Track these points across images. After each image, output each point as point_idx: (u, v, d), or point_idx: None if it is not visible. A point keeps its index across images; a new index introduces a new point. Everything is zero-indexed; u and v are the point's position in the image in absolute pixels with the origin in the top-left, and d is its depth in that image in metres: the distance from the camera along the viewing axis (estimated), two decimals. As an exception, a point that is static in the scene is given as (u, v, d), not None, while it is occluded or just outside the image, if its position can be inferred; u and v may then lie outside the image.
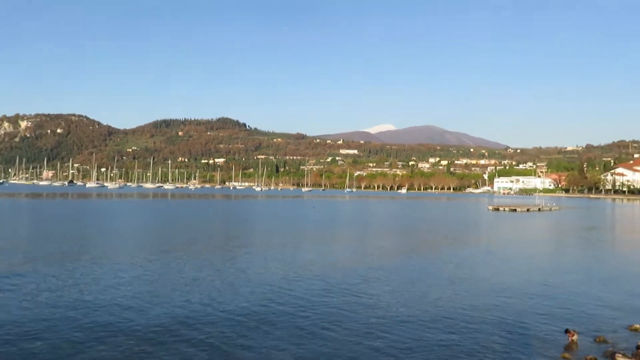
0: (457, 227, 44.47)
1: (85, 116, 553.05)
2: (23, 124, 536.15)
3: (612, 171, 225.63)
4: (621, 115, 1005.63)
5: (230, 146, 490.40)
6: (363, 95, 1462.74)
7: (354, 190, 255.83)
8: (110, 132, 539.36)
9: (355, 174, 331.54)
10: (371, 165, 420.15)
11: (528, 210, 75.18)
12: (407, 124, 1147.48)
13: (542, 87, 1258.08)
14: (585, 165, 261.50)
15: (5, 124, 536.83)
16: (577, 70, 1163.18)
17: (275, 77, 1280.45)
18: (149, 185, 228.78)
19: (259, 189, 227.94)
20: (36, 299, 13.55)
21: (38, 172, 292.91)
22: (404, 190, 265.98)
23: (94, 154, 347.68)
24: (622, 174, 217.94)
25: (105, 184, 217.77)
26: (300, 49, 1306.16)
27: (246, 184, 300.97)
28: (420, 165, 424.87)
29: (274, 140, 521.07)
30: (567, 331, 11.01)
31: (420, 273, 19.14)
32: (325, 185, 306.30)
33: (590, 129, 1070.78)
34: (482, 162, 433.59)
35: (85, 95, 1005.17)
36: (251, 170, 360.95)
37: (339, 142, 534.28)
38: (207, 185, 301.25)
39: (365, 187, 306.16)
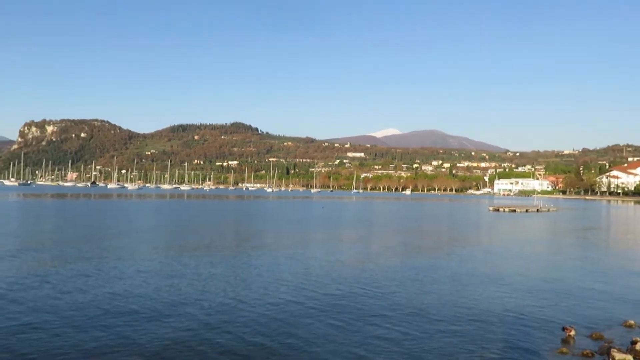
0: (459, 227, 44.27)
1: (107, 121, 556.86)
2: (49, 128, 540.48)
3: (607, 174, 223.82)
4: (616, 120, 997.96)
5: (243, 149, 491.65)
6: (369, 100, 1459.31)
7: (361, 191, 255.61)
8: (131, 136, 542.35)
9: (362, 176, 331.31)
10: (377, 167, 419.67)
11: (527, 211, 74.70)
12: (411, 129, 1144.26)
13: (540, 92, 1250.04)
14: (581, 168, 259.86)
15: (33, 129, 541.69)
16: (574, 76, 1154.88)
17: (285, 83, 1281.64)
18: (166, 187, 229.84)
19: (270, 190, 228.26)
20: (61, 295, 13.61)
21: (63, 174, 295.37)
22: (408, 192, 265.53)
23: (115, 157, 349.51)
24: (617, 177, 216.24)
25: (126, 185, 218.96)
26: (309, 57, 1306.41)
27: (258, 185, 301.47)
28: (423, 167, 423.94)
29: (285, 143, 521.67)
30: (564, 328, 10.91)
31: (423, 270, 19.03)
32: (333, 187, 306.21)
33: (586, 134, 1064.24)
34: (482, 165, 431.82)
35: (107, 102, 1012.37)
36: (263, 172, 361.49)
37: (347, 146, 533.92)
38: (221, 187, 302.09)
39: (371, 189, 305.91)
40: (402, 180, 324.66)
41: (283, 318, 11.78)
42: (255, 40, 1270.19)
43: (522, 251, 26.69)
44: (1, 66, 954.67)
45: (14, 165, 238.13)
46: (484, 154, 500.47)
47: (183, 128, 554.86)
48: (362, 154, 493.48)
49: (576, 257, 24.84)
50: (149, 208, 62.65)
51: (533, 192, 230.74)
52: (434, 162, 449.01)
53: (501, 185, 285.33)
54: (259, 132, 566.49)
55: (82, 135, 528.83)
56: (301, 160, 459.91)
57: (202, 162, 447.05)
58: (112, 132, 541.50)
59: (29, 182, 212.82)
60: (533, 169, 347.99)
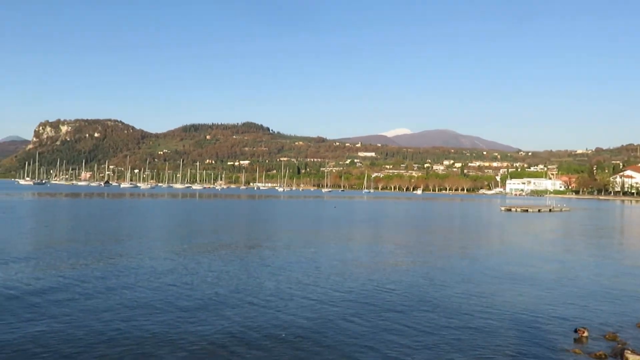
0: (471, 227, 44.02)
1: (121, 121, 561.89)
2: (64, 128, 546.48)
3: (621, 174, 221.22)
4: (630, 119, 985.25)
5: (254, 149, 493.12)
6: (380, 100, 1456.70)
7: (372, 191, 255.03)
8: (143, 136, 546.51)
9: (373, 176, 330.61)
10: (388, 167, 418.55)
11: (539, 210, 74.10)
12: (422, 128, 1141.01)
13: (553, 91, 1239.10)
14: (594, 168, 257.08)
15: (48, 129, 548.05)
16: (587, 75, 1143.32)
17: (297, 83, 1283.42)
18: (178, 186, 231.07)
19: (281, 189, 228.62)
20: (79, 292, 13.75)
21: (77, 173, 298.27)
22: (419, 191, 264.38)
23: (128, 157, 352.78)
24: (631, 177, 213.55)
25: (138, 185, 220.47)
26: (320, 56, 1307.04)
27: (269, 184, 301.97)
28: (435, 167, 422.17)
29: (296, 143, 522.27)
30: (577, 330, 10.82)
31: (435, 270, 18.96)
32: (344, 186, 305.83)
33: (599, 133, 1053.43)
34: (494, 164, 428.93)
35: (120, 102, 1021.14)
36: (274, 171, 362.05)
37: (357, 145, 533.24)
38: (233, 186, 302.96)
39: (382, 188, 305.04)
40: (413, 180, 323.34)
41: (312, 317, 11.81)
42: (267, 40, 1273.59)
43: (534, 251, 26.47)
44: (17, 67, 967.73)
45: (29, 164, 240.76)
46: (496, 154, 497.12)
47: (195, 128, 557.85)
48: (373, 154, 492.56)
49: (589, 257, 24.59)
50: (162, 207, 63.03)
51: (545, 192, 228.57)
52: (446, 162, 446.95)
53: (513, 185, 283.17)
54: (270, 131, 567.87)
55: (96, 135, 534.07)
56: (312, 159, 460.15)
57: (213, 162, 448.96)
58: (125, 131, 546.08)
59: (43, 181, 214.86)
60: (545, 169, 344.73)
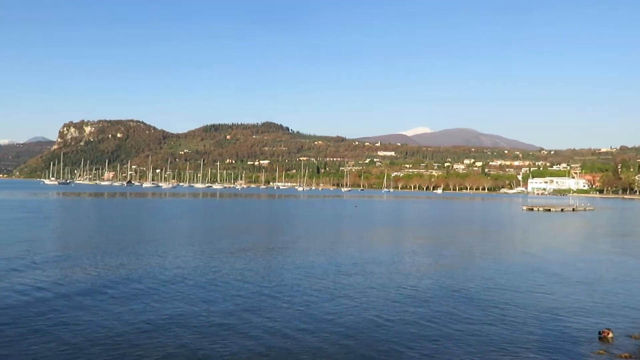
0: (493, 226, 43.58)
1: (142, 122, 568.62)
2: (87, 129, 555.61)
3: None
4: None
5: (274, 149, 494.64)
6: (400, 99, 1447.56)
7: (391, 190, 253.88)
8: (165, 136, 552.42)
9: (392, 175, 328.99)
10: (408, 166, 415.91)
11: (562, 210, 73.01)
12: (442, 127, 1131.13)
13: (576, 89, 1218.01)
14: (619, 167, 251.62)
15: (72, 130, 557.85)
16: (611, 72, 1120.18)
17: (316, 83, 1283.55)
18: (199, 185, 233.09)
19: (301, 188, 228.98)
20: (107, 288, 14.05)
21: (100, 173, 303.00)
22: (439, 191, 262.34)
23: (149, 157, 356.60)
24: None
25: (160, 184, 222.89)
26: (339, 56, 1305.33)
27: (289, 184, 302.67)
28: (455, 166, 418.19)
29: (315, 143, 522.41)
30: (601, 332, 10.69)
31: (457, 269, 18.87)
32: (363, 186, 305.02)
33: (624, 131, 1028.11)
34: (516, 163, 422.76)
35: (142, 103, 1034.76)
36: (294, 171, 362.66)
37: (377, 145, 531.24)
38: (253, 185, 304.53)
39: (402, 188, 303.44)
40: (433, 179, 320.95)
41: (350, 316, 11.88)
42: (287, 40, 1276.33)
43: (557, 251, 26.14)
44: (42, 70, 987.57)
45: (54, 165, 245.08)
46: (518, 153, 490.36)
47: (215, 128, 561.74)
48: (392, 153, 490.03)
49: (613, 257, 24.20)
50: (183, 206, 63.68)
51: (568, 191, 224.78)
52: (466, 161, 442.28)
53: (535, 184, 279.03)
54: (290, 131, 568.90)
55: (119, 135, 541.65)
56: (331, 159, 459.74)
57: (234, 162, 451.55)
58: (147, 132, 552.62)
59: (68, 181, 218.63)
60: (568, 168, 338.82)
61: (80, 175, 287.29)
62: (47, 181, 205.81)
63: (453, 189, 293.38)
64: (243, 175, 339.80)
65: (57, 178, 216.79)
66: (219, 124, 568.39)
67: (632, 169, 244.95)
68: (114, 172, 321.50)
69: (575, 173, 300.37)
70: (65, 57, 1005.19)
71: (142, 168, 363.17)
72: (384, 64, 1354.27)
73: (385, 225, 42.02)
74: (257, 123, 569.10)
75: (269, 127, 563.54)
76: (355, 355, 9.30)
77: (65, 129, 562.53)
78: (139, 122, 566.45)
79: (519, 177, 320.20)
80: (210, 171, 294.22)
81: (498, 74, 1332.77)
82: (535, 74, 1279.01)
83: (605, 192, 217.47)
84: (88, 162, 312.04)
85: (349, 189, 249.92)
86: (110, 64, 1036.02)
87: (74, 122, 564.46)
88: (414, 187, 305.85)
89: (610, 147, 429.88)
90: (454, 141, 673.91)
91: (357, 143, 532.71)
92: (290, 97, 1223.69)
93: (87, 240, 24.67)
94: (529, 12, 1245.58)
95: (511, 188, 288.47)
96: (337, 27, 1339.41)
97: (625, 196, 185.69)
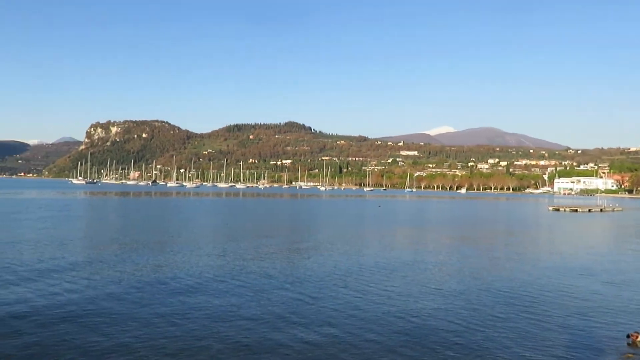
0: (518, 227, 42.95)
1: (167, 122, 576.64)
2: (114, 129, 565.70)
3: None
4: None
5: (296, 148, 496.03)
6: (423, 98, 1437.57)
7: (414, 190, 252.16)
8: (189, 136, 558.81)
9: (415, 175, 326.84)
10: (431, 166, 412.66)
11: (589, 210, 71.53)
12: (466, 126, 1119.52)
13: (603, 87, 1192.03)
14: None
15: (99, 130, 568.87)
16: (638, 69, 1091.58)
17: (338, 82, 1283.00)
18: (222, 185, 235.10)
19: (323, 188, 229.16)
20: (136, 284, 14.32)
21: (126, 173, 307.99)
22: (463, 190, 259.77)
23: (174, 156, 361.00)
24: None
25: (184, 184, 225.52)
26: (362, 55, 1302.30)
27: (311, 183, 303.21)
28: (479, 166, 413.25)
29: (338, 142, 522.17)
30: (629, 335, 10.47)
31: (484, 270, 18.67)
32: (386, 185, 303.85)
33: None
34: (541, 163, 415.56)
35: (167, 103, 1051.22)
36: (316, 170, 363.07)
37: (400, 144, 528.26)
38: (275, 185, 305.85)
39: (425, 187, 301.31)
40: (456, 179, 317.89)
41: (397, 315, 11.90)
42: (309, 41, 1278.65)
43: (584, 252, 25.66)
44: (70, 72, 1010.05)
45: (81, 164, 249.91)
46: (543, 152, 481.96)
47: (238, 128, 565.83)
48: (415, 152, 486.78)
49: (644, 259, 23.62)
50: (209, 206, 64.29)
51: (596, 191, 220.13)
52: (490, 161, 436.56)
53: (562, 184, 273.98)
54: (312, 131, 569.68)
55: (144, 135, 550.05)
56: (354, 158, 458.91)
57: (256, 161, 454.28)
58: (172, 132, 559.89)
59: (95, 180, 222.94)
60: (596, 167, 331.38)
61: (106, 174, 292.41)
62: (74, 181, 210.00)
63: (477, 189, 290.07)
64: (266, 174, 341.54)
65: (84, 177, 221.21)
66: (242, 124, 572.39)
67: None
68: (139, 172, 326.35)
69: (603, 173, 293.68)
70: (92, 59, 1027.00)
71: (166, 168, 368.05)
72: (407, 63, 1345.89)
73: (413, 225, 41.80)
74: (280, 123, 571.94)
75: (291, 126, 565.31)
76: (392, 348, 9.31)
77: (92, 129, 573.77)
78: (164, 122, 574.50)
79: (545, 177, 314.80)
80: (234, 171, 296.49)
81: (522, 72, 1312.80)
82: (560, 71, 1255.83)
83: (634, 192, 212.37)
84: (114, 161, 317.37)
85: (372, 188, 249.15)
86: (136, 65, 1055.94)
87: (100, 122, 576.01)
88: (437, 187, 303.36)
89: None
90: (477, 140, 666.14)
91: (379, 143, 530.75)
92: (312, 97, 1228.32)
93: (117, 239, 25.07)
94: (550, 12, 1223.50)
95: (537, 188, 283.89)
96: (359, 27, 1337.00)
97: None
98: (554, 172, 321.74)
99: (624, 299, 14.49)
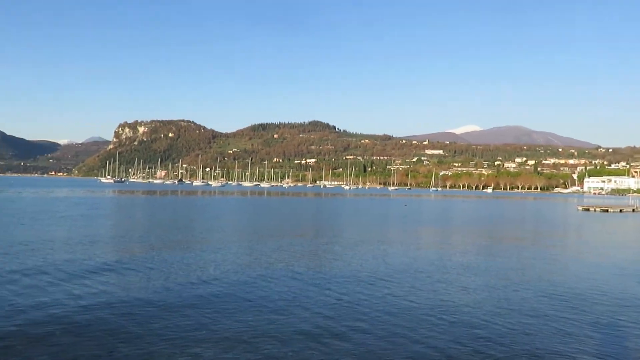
0: (546, 227, 42.19)
1: (193, 122, 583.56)
2: (141, 129, 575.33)
3: None
4: None
5: (320, 147, 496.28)
6: (448, 96, 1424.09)
7: (439, 189, 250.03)
8: (214, 135, 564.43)
9: (441, 174, 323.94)
10: (456, 165, 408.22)
11: (621, 211, 69.78)
12: (492, 125, 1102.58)
13: (635, 83, 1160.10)
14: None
15: (127, 130, 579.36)
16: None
17: (363, 81, 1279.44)
18: (247, 184, 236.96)
19: (347, 187, 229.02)
20: (166, 281, 14.53)
21: (153, 172, 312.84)
22: (489, 190, 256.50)
23: (199, 156, 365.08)
24: None
25: (210, 183, 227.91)
26: (386, 54, 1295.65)
27: (335, 182, 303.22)
28: (506, 165, 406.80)
29: (362, 141, 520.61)
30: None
31: (511, 270, 18.40)
32: (410, 185, 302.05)
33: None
34: (571, 161, 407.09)
35: (192, 103, 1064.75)
36: (340, 170, 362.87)
37: (425, 143, 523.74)
38: (300, 184, 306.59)
39: (450, 187, 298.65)
40: (482, 178, 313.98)
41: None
42: (334, 41, 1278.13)
43: (616, 252, 25.06)
44: (99, 73, 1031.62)
45: (109, 163, 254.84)
46: (573, 150, 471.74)
47: (263, 127, 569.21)
48: (440, 151, 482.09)
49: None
50: (234, 205, 64.85)
51: (628, 190, 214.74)
52: (517, 159, 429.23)
53: (591, 183, 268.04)
54: (337, 130, 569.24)
55: (170, 135, 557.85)
56: (378, 157, 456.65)
57: (281, 160, 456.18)
58: (197, 131, 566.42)
59: (122, 179, 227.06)
60: (628, 166, 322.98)
61: (134, 173, 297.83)
62: (103, 179, 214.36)
63: (504, 188, 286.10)
64: (290, 173, 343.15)
65: (112, 176, 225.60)
66: (267, 124, 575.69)
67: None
68: (165, 171, 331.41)
69: (636, 172, 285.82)
70: (120, 61, 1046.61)
71: (192, 167, 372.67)
72: (432, 61, 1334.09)
73: (441, 224, 41.43)
74: (304, 122, 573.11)
75: (315, 126, 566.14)
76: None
77: (120, 129, 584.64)
78: (190, 122, 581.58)
79: (574, 176, 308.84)
80: (258, 170, 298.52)
81: (550, 69, 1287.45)
82: (589, 67, 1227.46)
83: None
84: (141, 161, 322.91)
85: (396, 187, 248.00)
86: (163, 66, 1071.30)
87: (128, 122, 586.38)
88: (463, 186, 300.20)
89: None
90: (504, 139, 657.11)
91: (404, 141, 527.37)
92: (336, 96, 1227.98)
93: (150, 238, 25.43)
94: (577, 10, 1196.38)
95: (565, 187, 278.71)
96: (382, 25, 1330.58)
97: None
98: (584, 171, 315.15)
99: (658, 300, 14.09)
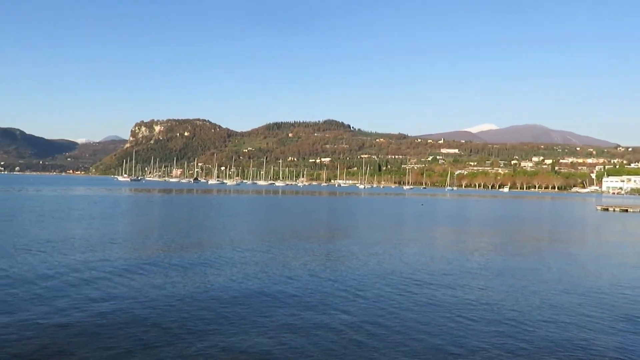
0: (564, 227, 41.73)
1: (208, 121, 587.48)
2: (157, 128, 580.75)
3: None
4: None
5: (335, 146, 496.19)
6: (464, 95, 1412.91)
7: (455, 188, 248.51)
8: (229, 134, 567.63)
9: (456, 173, 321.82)
10: (472, 164, 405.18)
11: (641, 210, 68.76)
12: (509, 123, 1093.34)
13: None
14: None
15: (143, 129, 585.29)
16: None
17: (378, 80, 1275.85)
18: (262, 183, 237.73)
19: (362, 186, 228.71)
20: (175, 280, 14.72)
21: (169, 170, 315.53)
22: (505, 189, 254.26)
23: (215, 154, 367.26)
24: None
25: (225, 181, 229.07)
26: (402, 52, 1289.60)
27: (350, 181, 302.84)
28: (522, 164, 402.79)
29: (377, 140, 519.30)
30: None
31: (527, 271, 18.29)
32: (426, 184, 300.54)
33: None
34: (589, 161, 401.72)
35: (208, 102, 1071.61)
36: (355, 168, 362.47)
37: (440, 142, 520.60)
38: (314, 183, 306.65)
39: (466, 186, 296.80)
40: (499, 177, 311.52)
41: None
42: (347, 40, 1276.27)
43: (635, 255, 24.72)
44: (116, 73, 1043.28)
45: (126, 162, 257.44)
46: (591, 149, 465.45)
47: (278, 126, 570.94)
48: (456, 150, 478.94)
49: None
50: (249, 204, 65.11)
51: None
52: (534, 158, 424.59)
53: (611, 182, 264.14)
54: (351, 129, 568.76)
55: (186, 134, 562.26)
56: (393, 156, 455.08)
57: (295, 159, 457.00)
58: (213, 130, 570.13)
59: (139, 178, 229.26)
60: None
61: (150, 172, 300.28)
62: (120, 178, 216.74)
63: (520, 188, 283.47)
64: (305, 172, 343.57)
65: (129, 175, 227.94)
66: (282, 123, 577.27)
67: None
68: (181, 170, 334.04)
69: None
70: (136, 60, 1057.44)
71: (207, 165, 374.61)
72: (448, 60, 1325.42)
73: (457, 224, 41.21)
74: (319, 121, 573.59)
75: (330, 124, 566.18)
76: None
77: (136, 128, 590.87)
78: (205, 121, 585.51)
79: (593, 176, 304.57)
80: (273, 169, 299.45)
81: (568, 67, 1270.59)
82: (608, 66, 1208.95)
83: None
84: (158, 159, 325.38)
85: (411, 186, 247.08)
86: (178, 65, 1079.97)
87: (144, 121, 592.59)
88: (479, 186, 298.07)
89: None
90: (521, 138, 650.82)
91: (419, 140, 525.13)
92: (351, 95, 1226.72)
93: (169, 237, 25.75)
94: (597, 7, 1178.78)
95: (584, 187, 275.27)
96: (396, 25, 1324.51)
97: None
98: (602, 170, 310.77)
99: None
